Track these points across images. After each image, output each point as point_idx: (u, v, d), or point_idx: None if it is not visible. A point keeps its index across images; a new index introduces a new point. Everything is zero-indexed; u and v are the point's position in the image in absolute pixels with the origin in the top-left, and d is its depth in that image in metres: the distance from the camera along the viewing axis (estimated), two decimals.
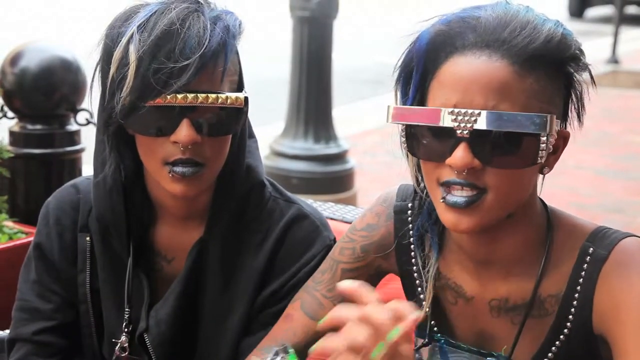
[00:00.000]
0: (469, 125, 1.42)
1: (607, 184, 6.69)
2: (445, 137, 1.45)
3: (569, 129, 1.55)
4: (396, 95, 1.56)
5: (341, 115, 7.21)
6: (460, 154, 1.43)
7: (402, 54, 1.53)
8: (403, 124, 1.51)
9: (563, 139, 1.53)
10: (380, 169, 6.66)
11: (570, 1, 17.03)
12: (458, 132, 1.43)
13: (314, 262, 1.79)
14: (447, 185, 1.46)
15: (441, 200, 1.47)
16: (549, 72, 1.46)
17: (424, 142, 1.49)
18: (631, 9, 16.29)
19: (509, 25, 1.44)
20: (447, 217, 1.48)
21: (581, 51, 1.50)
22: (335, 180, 5.52)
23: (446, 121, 1.43)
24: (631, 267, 1.50)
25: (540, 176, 1.55)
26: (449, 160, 1.44)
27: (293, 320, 1.71)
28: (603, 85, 10.43)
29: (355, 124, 7.82)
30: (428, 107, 1.47)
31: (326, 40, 5.46)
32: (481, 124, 1.42)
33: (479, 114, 1.41)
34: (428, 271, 1.64)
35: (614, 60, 11.57)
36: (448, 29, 1.48)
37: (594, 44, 13.46)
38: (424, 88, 1.50)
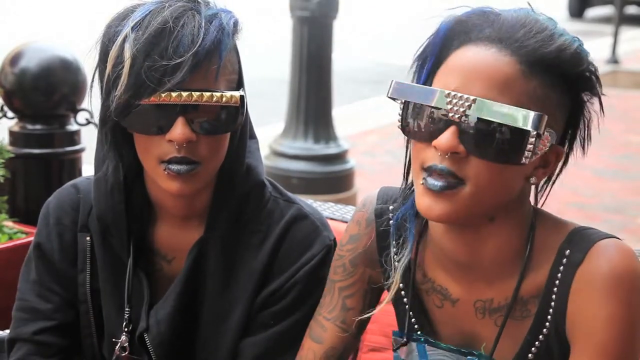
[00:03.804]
0: (461, 109, 1.43)
1: (607, 184, 6.68)
2: (437, 119, 1.46)
3: (571, 157, 1.56)
4: (413, 78, 1.57)
5: (341, 115, 7.21)
6: (447, 137, 1.44)
7: (425, 41, 1.55)
8: (400, 100, 1.51)
9: (556, 154, 1.52)
10: (380, 169, 6.66)
11: (570, 1, 17.03)
12: (450, 115, 1.44)
13: (313, 262, 1.79)
14: (429, 171, 1.47)
15: (421, 182, 1.48)
16: (556, 83, 1.46)
17: (416, 122, 1.49)
18: (631, 9, 16.28)
19: (526, 27, 1.46)
20: (422, 201, 1.48)
21: (594, 73, 1.51)
22: (335, 180, 5.52)
23: (440, 103, 1.45)
24: (603, 278, 1.47)
25: (533, 187, 1.55)
26: (435, 142, 1.45)
27: (304, 348, 1.74)
28: (603, 85, 10.43)
29: (355, 124, 7.82)
30: (426, 87, 1.49)
31: (326, 40, 5.46)
32: (473, 110, 1.43)
33: (474, 101, 1.42)
34: (399, 260, 1.63)
35: (613, 60, 11.56)
36: (467, 19, 1.51)
37: (594, 44, 13.45)
38: (435, 73, 1.52)
